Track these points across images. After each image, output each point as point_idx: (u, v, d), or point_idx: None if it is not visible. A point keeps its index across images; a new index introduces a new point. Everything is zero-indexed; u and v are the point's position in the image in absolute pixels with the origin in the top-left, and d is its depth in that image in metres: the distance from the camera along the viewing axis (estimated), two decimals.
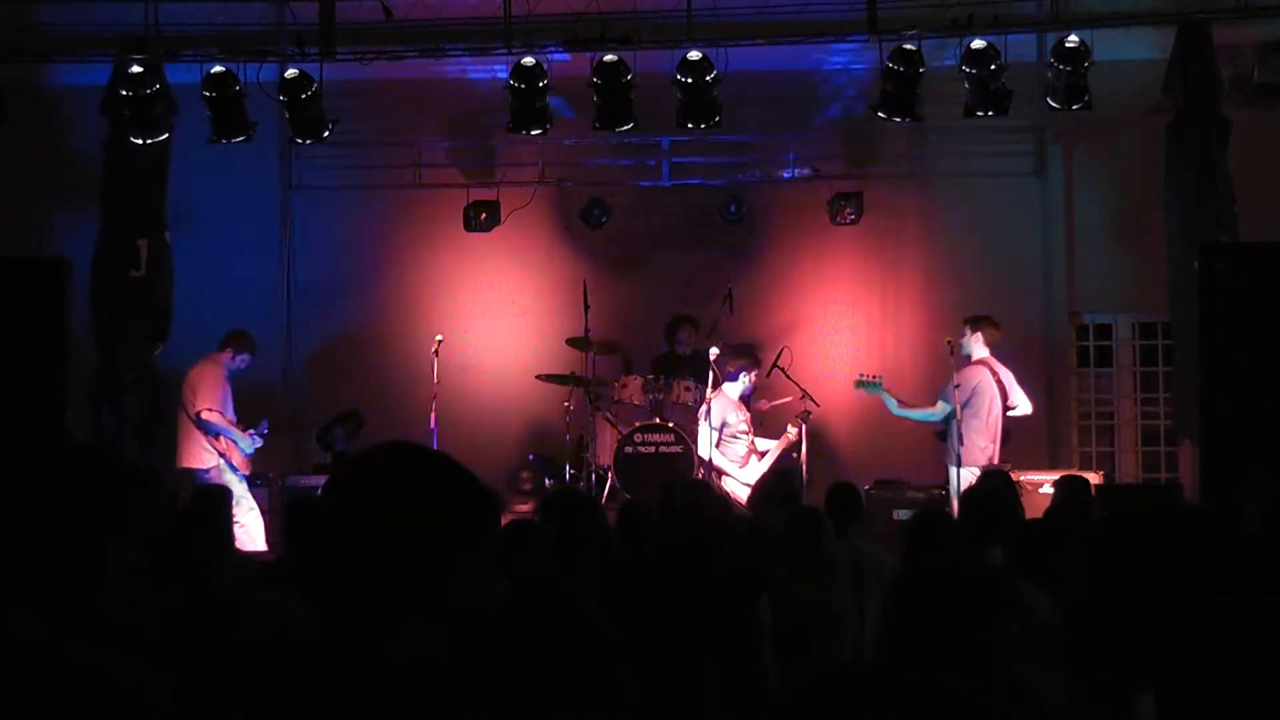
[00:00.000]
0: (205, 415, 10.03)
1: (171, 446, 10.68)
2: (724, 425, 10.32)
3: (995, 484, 6.88)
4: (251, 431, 10.21)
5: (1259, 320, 8.33)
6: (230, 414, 10.20)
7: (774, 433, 10.72)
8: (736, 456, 10.35)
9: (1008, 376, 10.24)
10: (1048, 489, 9.13)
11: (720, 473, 10.19)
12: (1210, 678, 2.16)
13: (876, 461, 11.18)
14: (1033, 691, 2.83)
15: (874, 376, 10.49)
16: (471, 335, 11.82)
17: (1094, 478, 9.61)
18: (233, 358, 10.29)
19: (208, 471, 10.04)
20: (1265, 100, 11.32)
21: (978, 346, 10.21)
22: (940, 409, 10.09)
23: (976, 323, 10.28)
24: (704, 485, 7.77)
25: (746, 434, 10.45)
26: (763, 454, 10.46)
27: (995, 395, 10.09)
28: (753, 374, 10.60)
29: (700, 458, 10.19)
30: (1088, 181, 11.94)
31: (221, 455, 10.08)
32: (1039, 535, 4.84)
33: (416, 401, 10.73)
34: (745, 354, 10.70)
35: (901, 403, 10.40)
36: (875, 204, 11.82)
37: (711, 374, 10.40)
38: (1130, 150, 11.55)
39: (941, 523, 5.83)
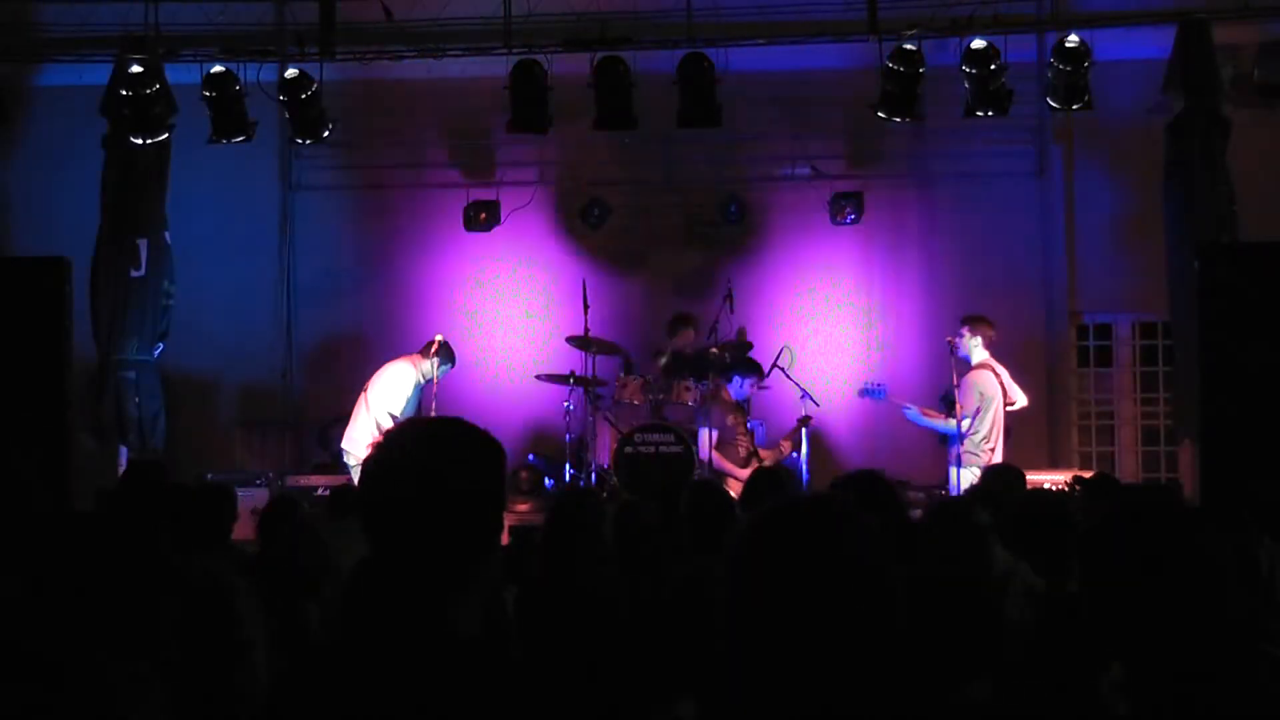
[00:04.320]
0: (381, 417, 10.02)
1: (173, 446, 10.69)
2: (723, 427, 10.30)
3: (1003, 481, 6.78)
4: None
5: (1259, 320, 8.34)
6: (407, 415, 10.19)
7: (776, 438, 10.74)
8: (738, 458, 10.33)
9: (1004, 373, 10.21)
10: (1047, 488, 9.13)
11: (722, 474, 10.15)
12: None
13: (876, 461, 11.16)
14: None
15: (876, 385, 10.38)
16: (471, 335, 11.82)
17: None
18: (436, 365, 10.23)
19: (359, 460, 10.04)
20: (1265, 100, 11.32)
21: (977, 349, 10.12)
22: (963, 422, 9.87)
23: (974, 323, 10.18)
24: (709, 484, 7.75)
25: (747, 435, 10.43)
26: (762, 459, 10.42)
27: (1000, 396, 10.06)
28: (750, 381, 10.52)
29: (700, 459, 10.18)
30: (1088, 181, 11.93)
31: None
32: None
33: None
34: (749, 363, 10.60)
35: (924, 411, 10.26)
36: (875, 204, 11.82)
37: (712, 374, 10.40)
38: (1130, 150, 11.54)
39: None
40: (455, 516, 2.15)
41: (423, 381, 10.25)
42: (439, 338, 10.41)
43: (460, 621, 2.10)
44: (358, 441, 10.14)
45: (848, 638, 1.88)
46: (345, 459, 10.19)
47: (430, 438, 2.25)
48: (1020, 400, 10.21)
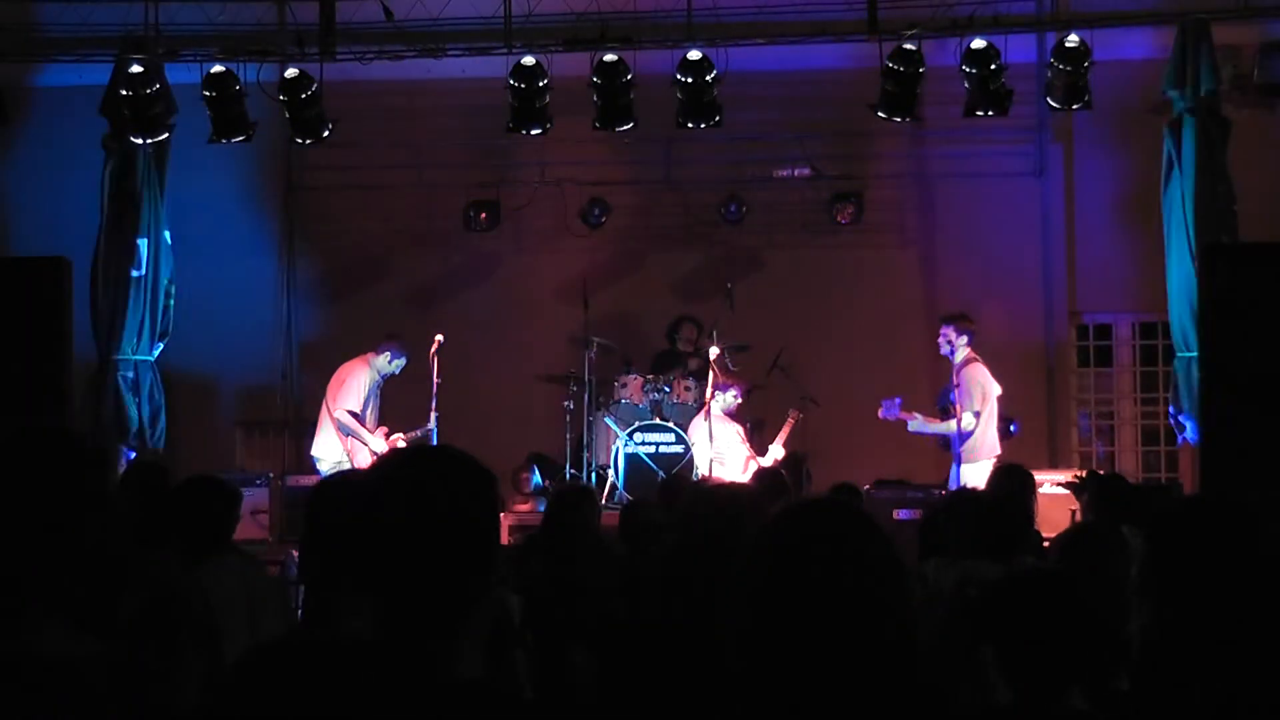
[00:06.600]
0: (341, 416, 10.04)
1: (173, 446, 10.68)
2: (718, 449, 10.23)
3: (1014, 484, 6.70)
4: (397, 436, 10.15)
5: (1259, 320, 8.33)
6: (371, 415, 10.19)
7: (770, 439, 10.69)
8: (735, 466, 10.27)
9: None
10: (1049, 488, 9.13)
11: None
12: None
13: (876, 461, 11.18)
14: None
15: (892, 402, 10.29)
16: (471, 335, 11.81)
17: None
18: (389, 361, 10.22)
19: (334, 465, 10.05)
20: (1265, 100, 11.32)
21: (963, 346, 10.09)
22: (966, 421, 9.75)
23: (957, 321, 10.09)
24: (707, 484, 7.75)
25: (740, 445, 10.37)
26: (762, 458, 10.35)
27: (993, 388, 10.02)
28: (737, 391, 10.41)
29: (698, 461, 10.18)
30: (1088, 181, 11.94)
31: (346, 454, 10.10)
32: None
33: (416, 402, 10.73)
34: (735, 375, 10.51)
35: (925, 419, 10.20)
36: (875, 204, 11.82)
37: (711, 374, 10.38)
38: (1130, 150, 11.55)
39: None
40: (449, 546, 2.01)
41: (379, 378, 10.26)
42: (439, 338, 10.39)
43: (459, 661, 1.99)
44: (327, 447, 10.19)
45: (865, 629, 1.94)
46: (318, 466, 10.19)
47: (421, 465, 2.11)
48: (996, 388, 10.15)
